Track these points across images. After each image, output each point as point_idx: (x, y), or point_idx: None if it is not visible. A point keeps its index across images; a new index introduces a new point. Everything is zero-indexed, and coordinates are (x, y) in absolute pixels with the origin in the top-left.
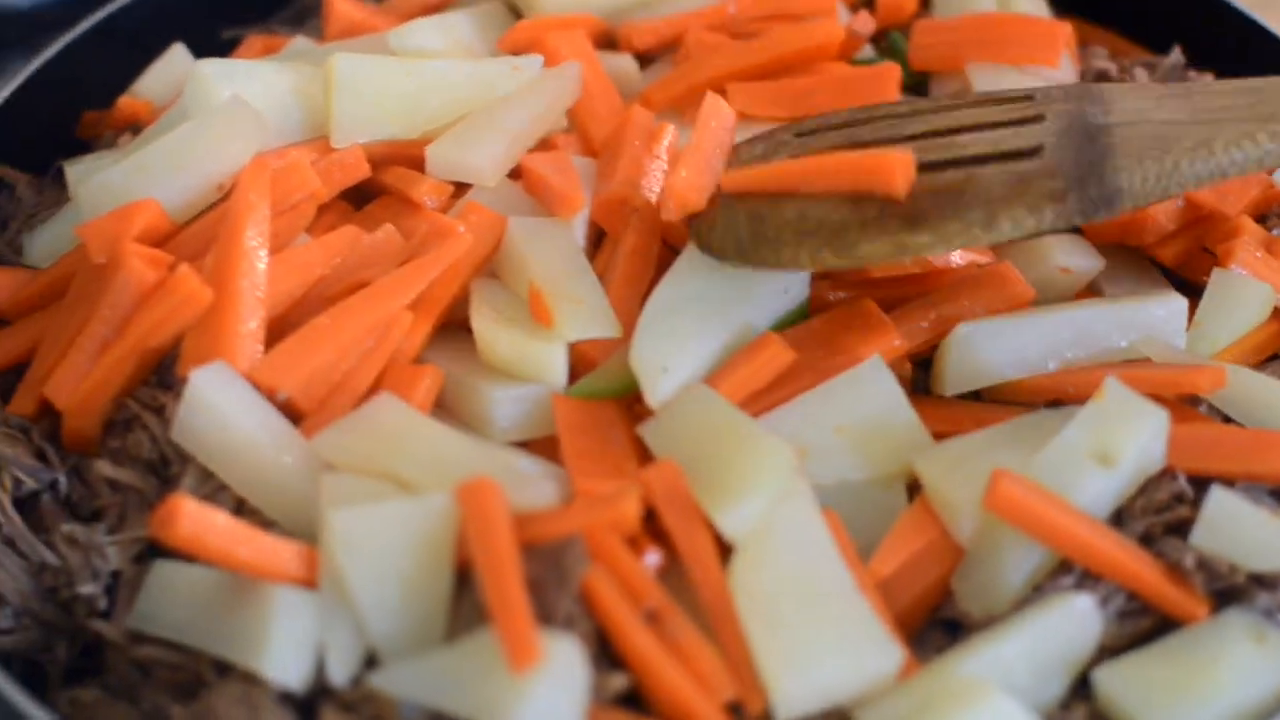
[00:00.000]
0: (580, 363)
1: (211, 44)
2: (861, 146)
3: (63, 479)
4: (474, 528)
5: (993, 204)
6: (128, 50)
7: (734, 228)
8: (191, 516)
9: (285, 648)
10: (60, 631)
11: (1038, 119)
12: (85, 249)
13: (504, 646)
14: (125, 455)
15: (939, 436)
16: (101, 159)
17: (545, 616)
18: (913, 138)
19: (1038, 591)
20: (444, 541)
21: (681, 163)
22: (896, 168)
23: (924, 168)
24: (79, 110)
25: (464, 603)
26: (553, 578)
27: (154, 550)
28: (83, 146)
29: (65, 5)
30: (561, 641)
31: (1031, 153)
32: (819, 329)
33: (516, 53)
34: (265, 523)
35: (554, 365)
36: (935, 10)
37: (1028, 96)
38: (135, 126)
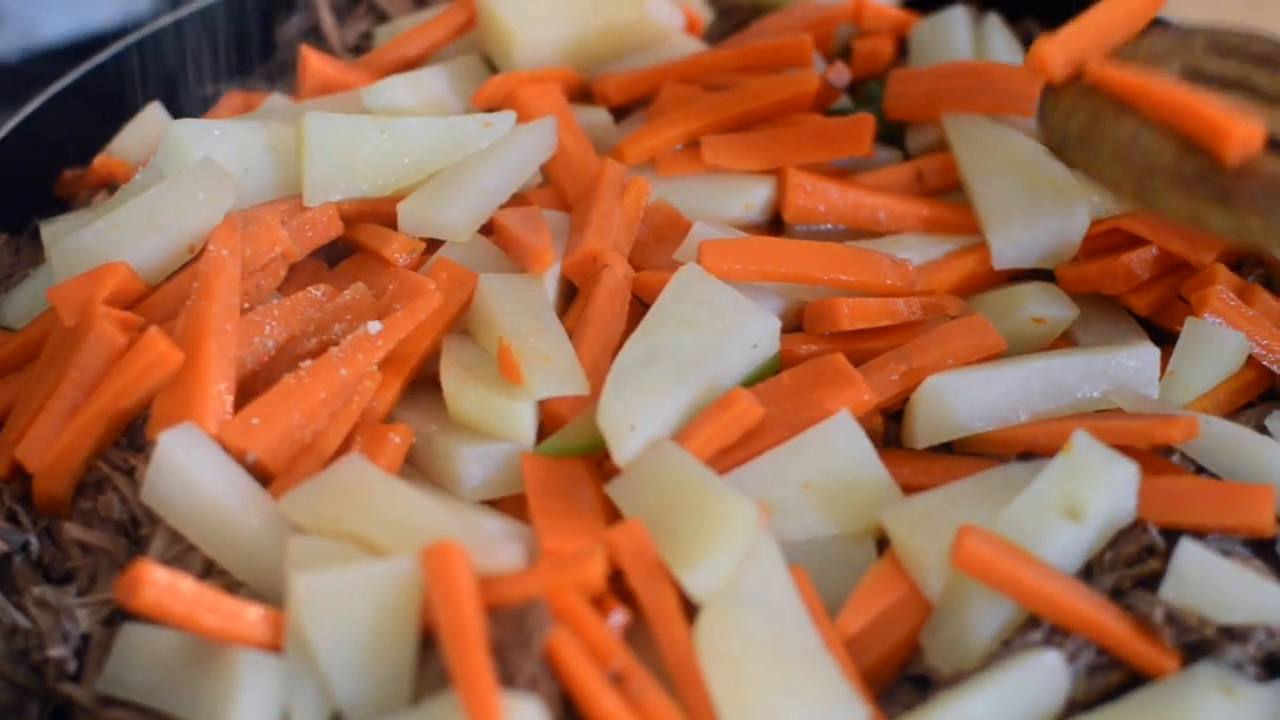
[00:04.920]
0: (550, 420)
1: (191, 100)
2: (1254, 92)
3: (34, 541)
4: (437, 592)
5: None
6: (108, 107)
7: (1073, 117)
8: (155, 583)
9: (250, 712)
10: (32, 694)
11: None
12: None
13: (466, 712)
14: (96, 517)
15: (910, 489)
16: (77, 219)
17: (508, 679)
18: None
19: (1006, 647)
20: (409, 605)
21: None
22: (1235, 137)
23: (1274, 146)
24: (59, 168)
25: (429, 665)
26: (516, 640)
27: (124, 613)
28: (62, 205)
29: (53, 60)
30: (524, 704)
31: None
32: (788, 384)
33: (491, 108)
34: (234, 584)
35: (523, 423)
36: (911, 60)
37: None
38: (112, 185)
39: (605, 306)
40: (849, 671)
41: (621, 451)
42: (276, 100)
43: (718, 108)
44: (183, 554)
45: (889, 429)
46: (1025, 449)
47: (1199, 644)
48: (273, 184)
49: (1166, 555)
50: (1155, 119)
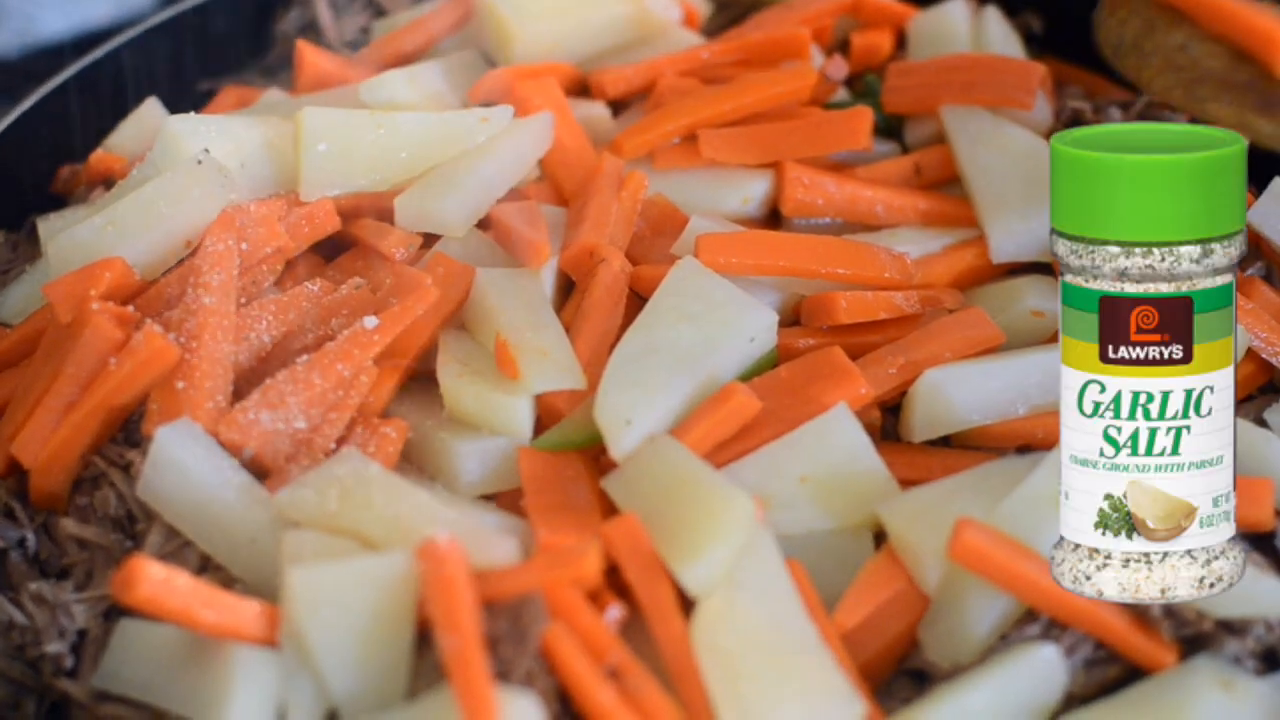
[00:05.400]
0: (547, 415)
1: (188, 95)
2: None
3: (31, 536)
4: (433, 586)
5: None
6: (105, 103)
7: (1128, 24)
8: (151, 579)
9: (246, 707)
10: (28, 689)
11: None
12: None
13: (461, 707)
14: (92, 512)
15: (908, 484)
16: (74, 214)
17: (504, 674)
18: None
19: (1004, 641)
20: (404, 599)
21: None
22: None
23: None
24: (56, 164)
25: (426, 660)
26: (512, 635)
27: (121, 608)
28: (59, 201)
29: (51, 56)
30: (520, 699)
31: None
32: (786, 378)
33: (488, 102)
34: (230, 580)
35: (519, 418)
36: (910, 53)
37: None
38: (109, 181)
39: (602, 301)
40: (846, 666)
41: (618, 446)
42: (273, 95)
43: (715, 101)
44: (179, 549)
45: (887, 422)
46: (1024, 442)
47: (1197, 638)
48: (269, 179)
49: None
50: (1207, 28)
